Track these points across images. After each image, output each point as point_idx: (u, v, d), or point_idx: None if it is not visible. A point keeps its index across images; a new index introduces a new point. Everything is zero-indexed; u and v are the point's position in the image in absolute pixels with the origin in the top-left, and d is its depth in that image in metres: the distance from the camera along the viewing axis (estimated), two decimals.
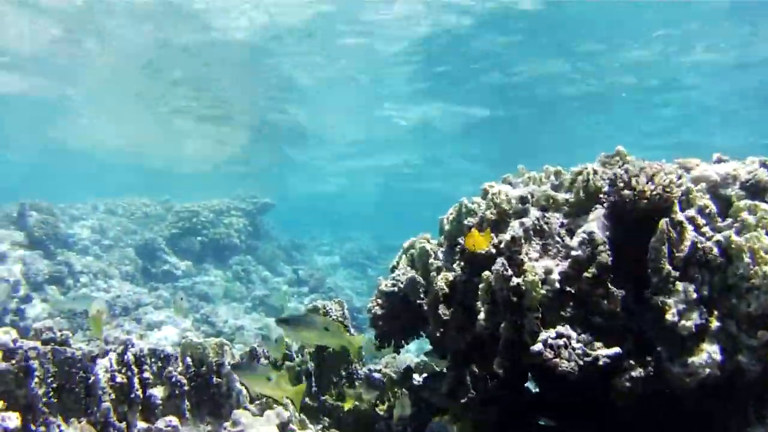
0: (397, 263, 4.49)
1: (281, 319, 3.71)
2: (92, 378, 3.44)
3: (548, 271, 3.15)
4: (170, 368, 3.83)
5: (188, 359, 3.95)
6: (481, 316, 3.33)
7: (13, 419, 2.89)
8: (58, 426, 3.24)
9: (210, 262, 17.19)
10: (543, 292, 3.09)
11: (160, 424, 3.55)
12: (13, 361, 3.14)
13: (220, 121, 23.74)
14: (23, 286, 11.15)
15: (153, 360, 3.89)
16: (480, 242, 3.43)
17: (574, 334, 3.03)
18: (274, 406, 3.99)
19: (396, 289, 4.28)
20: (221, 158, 31.73)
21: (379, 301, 4.41)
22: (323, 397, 4.87)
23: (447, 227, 4.04)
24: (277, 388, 3.70)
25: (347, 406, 4.70)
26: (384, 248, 27.84)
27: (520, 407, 3.80)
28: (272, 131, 25.09)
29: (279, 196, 24.32)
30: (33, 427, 3.14)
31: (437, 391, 4.19)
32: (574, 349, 2.98)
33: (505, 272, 3.15)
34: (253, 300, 15.76)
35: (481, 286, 3.33)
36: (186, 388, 3.82)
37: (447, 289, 3.73)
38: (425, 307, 3.97)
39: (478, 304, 3.36)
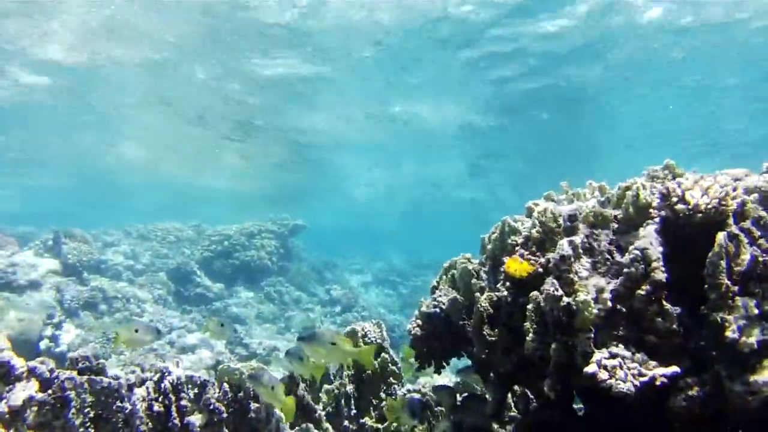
0: (438, 283, 4.40)
1: (299, 338, 3.67)
2: (129, 407, 3.38)
3: (600, 290, 3.03)
4: (207, 395, 3.76)
5: (225, 385, 3.88)
6: (530, 337, 3.22)
7: None
8: None
9: (242, 285, 17.25)
10: (595, 311, 2.97)
11: None
12: (50, 392, 3.09)
13: (248, 138, 23.59)
14: (58, 313, 11.22)
15: (190, 387, 3.82)
16: (522, 268, 3.35)
17: (628, 354, 2.91)
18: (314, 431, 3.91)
19: (438, 310, 4.19)
20: (249, 176, 31.68)
21: (419, 322, 4.32)
22: (363, 420, 4.78)
23: (489, 246, 3.93)
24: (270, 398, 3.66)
25: (386, 425, 4.62)
26: (415, 265, 27.79)
27: (568, 428, 3.68)
28: (301, 146, 24.88)
29: (309, 214, 24.21)
30: None
31: (477, 411, 4.10)
32: (629, 369, 2.85)
33: (555, 292, 3.03)
34: (287, 321, 15.77)
35: (529, 306, 3.22)
36: (224, 415, 3.74)
37: (492, 310, 3.63)
38: (469, 328, 3.86)
39: (526, 324, 3.25)
